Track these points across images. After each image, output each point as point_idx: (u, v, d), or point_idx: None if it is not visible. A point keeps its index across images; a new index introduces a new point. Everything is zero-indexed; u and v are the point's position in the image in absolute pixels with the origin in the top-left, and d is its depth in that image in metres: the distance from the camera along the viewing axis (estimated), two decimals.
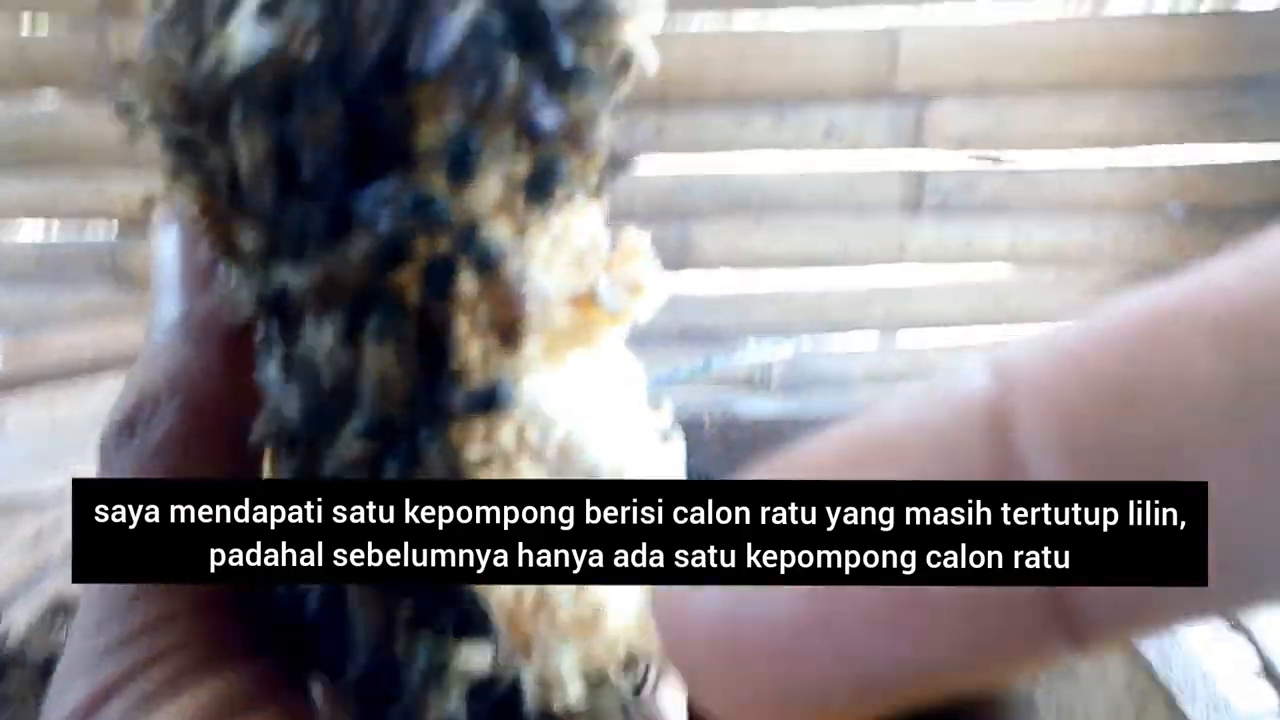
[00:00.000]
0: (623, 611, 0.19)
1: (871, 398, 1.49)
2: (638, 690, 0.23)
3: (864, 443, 0.12)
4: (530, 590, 0.19)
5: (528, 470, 0.19)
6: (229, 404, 0.22)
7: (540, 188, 0.18)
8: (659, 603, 0.12)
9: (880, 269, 1.58)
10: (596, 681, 0.20)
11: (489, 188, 0.17)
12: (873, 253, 1.56)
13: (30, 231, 1.53)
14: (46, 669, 0.61)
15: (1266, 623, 1.04)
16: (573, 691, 0.19)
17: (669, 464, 0.21)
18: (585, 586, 0.19)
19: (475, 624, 0.19)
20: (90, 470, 0.23)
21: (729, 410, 0.86)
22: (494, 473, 0.19)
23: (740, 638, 0.11)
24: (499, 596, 0.19)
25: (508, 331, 0.18)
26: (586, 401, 0.20)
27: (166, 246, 0.24)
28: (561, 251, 0.19)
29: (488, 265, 0.17)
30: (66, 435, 0.92)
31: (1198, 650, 0.51)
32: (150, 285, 0.23)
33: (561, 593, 0.19)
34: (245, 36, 0.16)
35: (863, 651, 0.11)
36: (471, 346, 0.18)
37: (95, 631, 0.21)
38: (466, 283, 0.17)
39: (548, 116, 0.17)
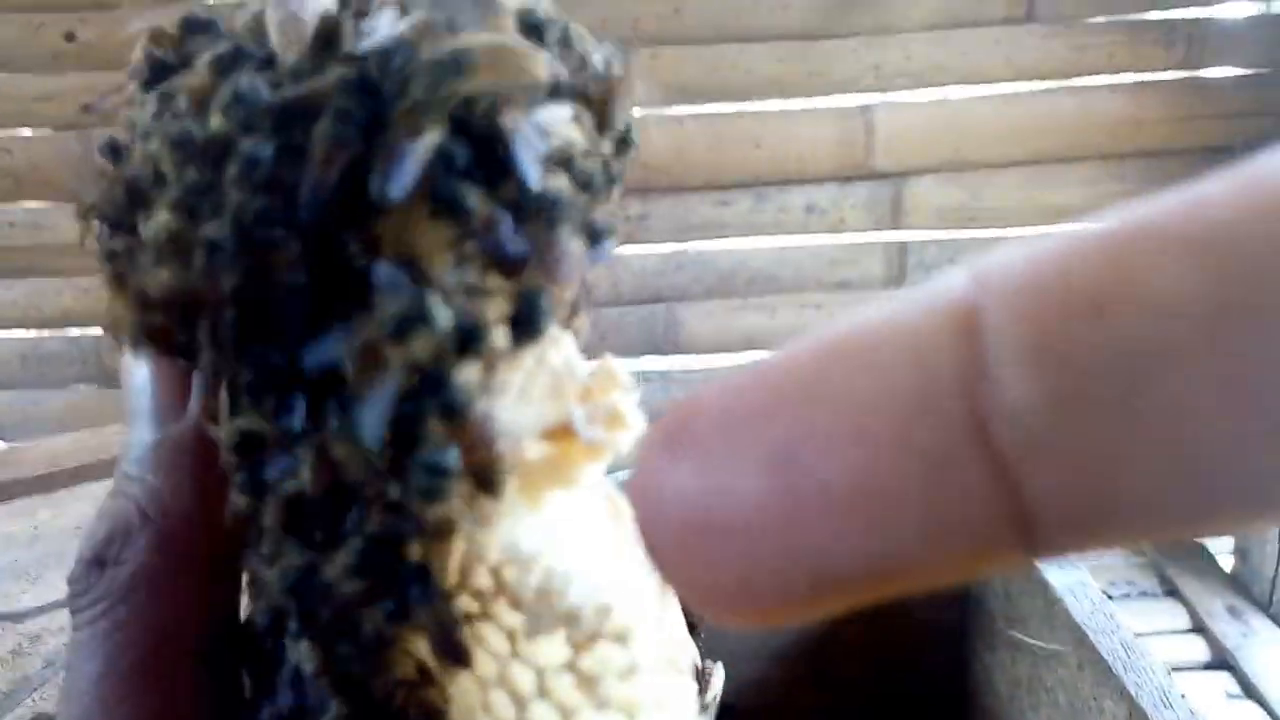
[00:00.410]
0: None
1: None
2: None
3: (841, 344, 0.11)
4: None
5: (506, 615, 0.18)
6: (201, 533, 0.22)
7: (530, 325, 0.17)
8: (635, 481, 0.12)
9: None
10: None
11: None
12: None
13: (15, 335, 1.53)
14: None
15: None
16: None
17: (658, 599, 0.20)
18: None
19: None
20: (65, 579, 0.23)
21: None
22: (471, 618, 0.18)
23: (708, 516, 0.12)
24: None
25: (483, 476, 0.17)
26: (567, 540, 0.19)
27: (137, 375, 0.24)
28: (535, 384, 0.18)
29: (453, 411, 0.17)
30: (47, 545, 0.91)
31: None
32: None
33: None
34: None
35: (821, 537, 0.11)
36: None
37: None
38: (434, 429, 0.17)
39: (517, 246, 0.17)
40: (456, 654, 0.18)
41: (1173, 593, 1.23)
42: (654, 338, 1.53)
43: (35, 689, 0.71)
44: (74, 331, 1.53)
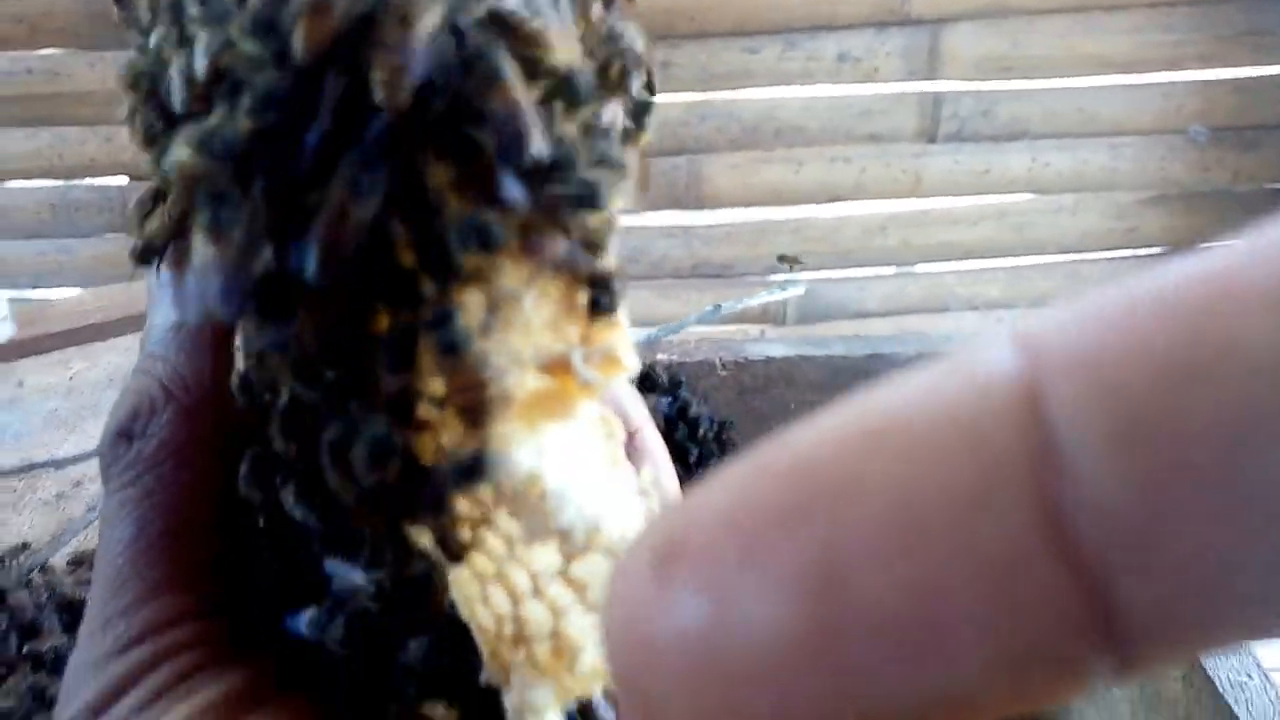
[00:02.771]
0: (595, 655, 0.19)
1: (888, 330, 1.48)
2: None
3: (874, 429, 0.10)
4: (509, 624, 0.19)
5: (504, 521, 0.19)
6: (221, 410, 0.23)
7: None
8: (617, 616, 0.10)
9: (896, 200, 1.57)
10: (578, 710, 0.20)
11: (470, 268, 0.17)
12: (888, 183, 1.54)
13: (43, 184, 1.53)
14: (70, 609, 0.63)
15: None
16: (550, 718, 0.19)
17: (646, 520, 0.21)
18: (562, 627, 0.19)
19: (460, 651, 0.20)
20: (102, 428, 0.24)
21: (741, 353, 0.85)
22: (472, 522, 0.19)
23: (723, 659, 0.09)
24: (480, 623, 0.19)
25: (472, 414, 0.17)
26: (562, 461, 0.19)
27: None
28: (536, 319, 0.18)
29: (453, 349, 0.17)
30: (82, 395, 0.93)
31: None
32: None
33: (539, 633, 0.19)
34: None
35: (870, 672, 0.09)
36: (435, 426, 0.18)
37: (103, 633, 0.21)
38: (428, 363, 0.17)
39: (515, 192, 0.17)
40: (454, 552, 0.19)
41: None
42: (675, 191, 1.51)
43: (78, 532, 0.75)
44: (100, 181, 1.53)
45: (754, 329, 1.53)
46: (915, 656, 0.09)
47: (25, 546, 0.73)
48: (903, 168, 1.54)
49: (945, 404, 0.09)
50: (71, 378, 0.96)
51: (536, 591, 0.19)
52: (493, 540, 0.19)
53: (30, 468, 0.81)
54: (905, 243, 1.59)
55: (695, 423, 0.86)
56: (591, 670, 0.19)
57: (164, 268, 0.23)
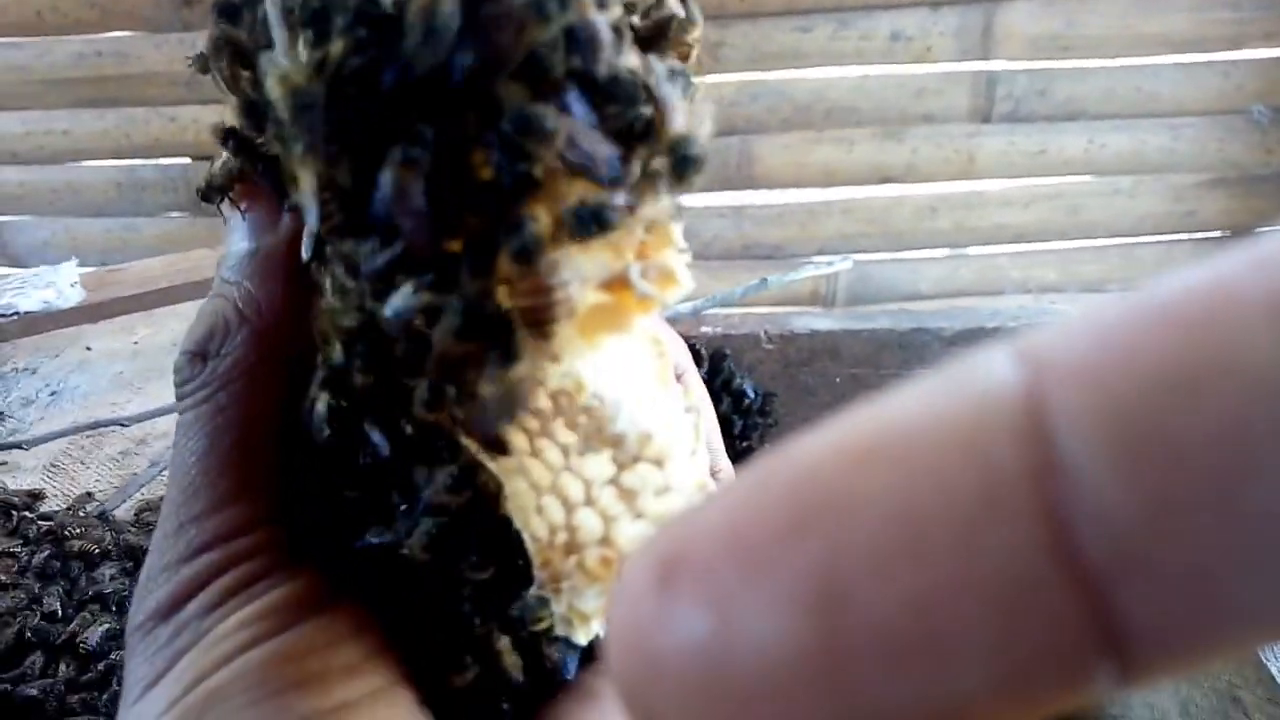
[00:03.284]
0: None
1: (938, 310, 1.47)
2: None
3: (874, 442, 0.10)
4: (562, 532, 0.20)
5: (560, 433, 0.20)
6: (292, 335, 0.24)
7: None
8: (618, 629, 0.10)
9: (949, 181, 1.55)
10: None
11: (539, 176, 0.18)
12: (940, 164, 1.53)
13: (109, 164, 1.58)
14: (132, 555, 0.66)
15: None
16: (596, 629, 0.21)
17: (692, 435, 0.22)
18: (612, 534, 0.20)
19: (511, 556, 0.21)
20: (166, 389, 0.25)
21: (786, 326, 0.86)
22: (531, 434, 0.20)
23: (725, 674, 0.09)
24: (534, 533, 0.20)
25: (538, 322, 0.19)
26: (617, 375, 0.21)
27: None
28: (587, 263, 0.19)
29: (526, 254, 0.18)
30: (147, 359, 0.97)
31: None
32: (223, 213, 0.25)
33: (590, 540, 0.20)
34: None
35: (874, 686, 0.09)
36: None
37: (175, 539, 0.23)
38: (505, 266, 0.18)
39: (582, 106, 0.18)
40: (498, 446, 0.20)
41: None
42: (726, 171, 1.52)
43: (143, 485, 0.78)
44: (165, 161, 1.57)
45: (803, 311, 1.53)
46: (919, 669, 0.09)
47: (90, 496, 0.76)
48: (955, 148, 1.52)
49: (946, 416, 0.09)
50: (137, 343, 0.99)
51: (589, 500, 0.20)
52: (550, 451, 0.20)
53: (96, 425, 0.84)
54: (958, 225, 1.58)
55: (740, 395, 0.87)
56: None
57: (234, 201, 0.25)
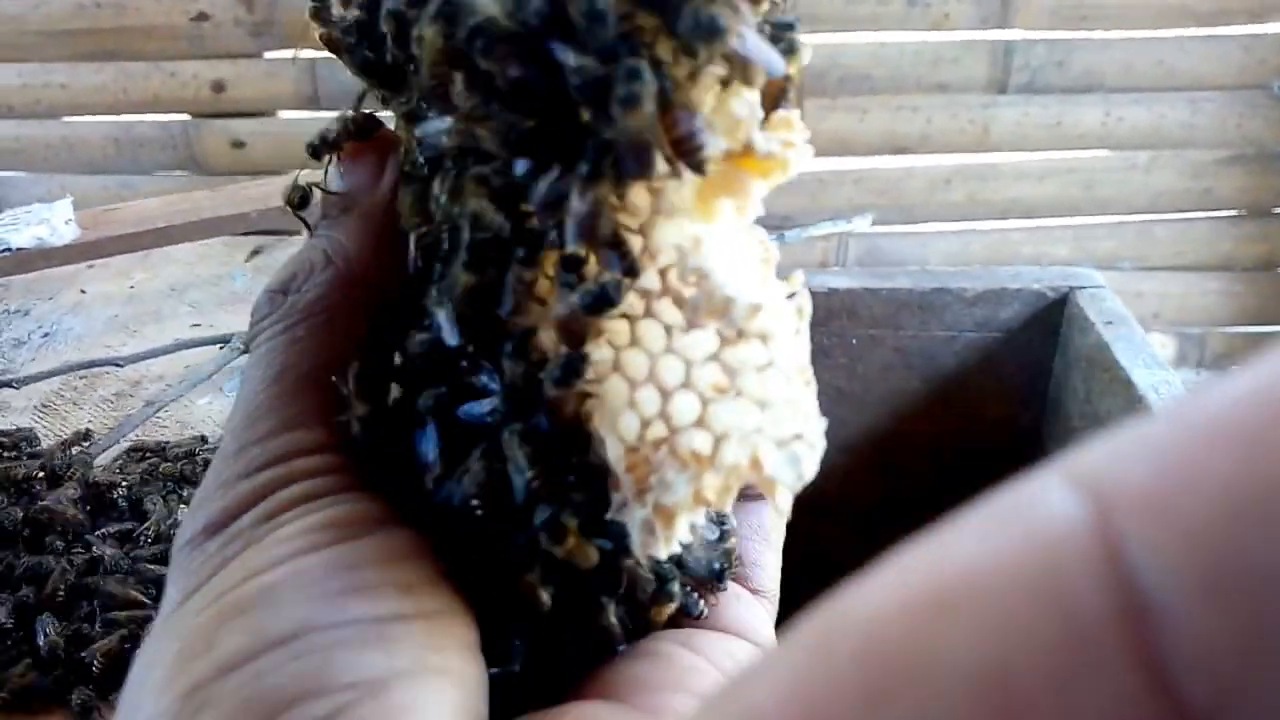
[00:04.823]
0: (737, 447, 0.20)
1: (960, 271, 1.45)
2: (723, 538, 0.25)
3: (941, 597, 0.09)
4: (655, 424, 0.20)
5: (667, 312, 0.21)
6: (379, 287, 0.24)
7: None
8: None
9: (963, 152, 1.53)
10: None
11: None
12: (955, 134, 1.51)
13: (107, 119, 1.55)
14: (130, 496, 0.65)
15: None
16: (681, 529, 0.20)
17: (791, 319, 0.23)
18: (709, 415, 0.20)
19: (592, 481, 0.21)
20: (162, 333, 0.25)
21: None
22: (633, 318, 0.21)
23: None
24: (622, 433, 0.20)
25: (687, 153, 0.19)
26: (728, 252, 0.21)
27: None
28: (723, 113, 0.20)
29: (665, 96, 0.19)
30: (142, 303, 0.94)
31: None
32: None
33: (684, 423, 0.20)
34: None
35: None
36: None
37: (235, 458, 0.22)
38: (648, 104, 0.19)
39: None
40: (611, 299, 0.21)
41: None
42: None
43: (136, 425, 0.75)
44: (162, 117, 1.54)
45: None
46: None
47: (87, 435, 0.74)
48: (971, 119, 1.50)
49: (1014, 560, 0.09)
50: (132, 286, 0.97)
51: (687, 382, 0.20)
52: (653, 332, 0.21)
53: (91, 364, 0.81)
54: (971, 197, 1.56)
55: None
56: (733, 465, 0.20)
57: (342, 157, 0.26)
